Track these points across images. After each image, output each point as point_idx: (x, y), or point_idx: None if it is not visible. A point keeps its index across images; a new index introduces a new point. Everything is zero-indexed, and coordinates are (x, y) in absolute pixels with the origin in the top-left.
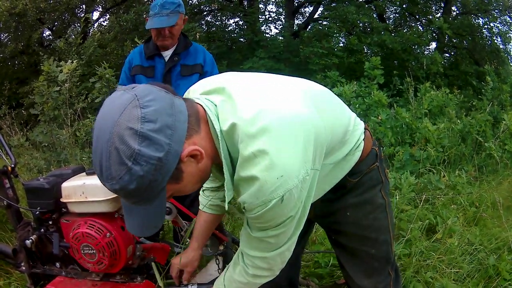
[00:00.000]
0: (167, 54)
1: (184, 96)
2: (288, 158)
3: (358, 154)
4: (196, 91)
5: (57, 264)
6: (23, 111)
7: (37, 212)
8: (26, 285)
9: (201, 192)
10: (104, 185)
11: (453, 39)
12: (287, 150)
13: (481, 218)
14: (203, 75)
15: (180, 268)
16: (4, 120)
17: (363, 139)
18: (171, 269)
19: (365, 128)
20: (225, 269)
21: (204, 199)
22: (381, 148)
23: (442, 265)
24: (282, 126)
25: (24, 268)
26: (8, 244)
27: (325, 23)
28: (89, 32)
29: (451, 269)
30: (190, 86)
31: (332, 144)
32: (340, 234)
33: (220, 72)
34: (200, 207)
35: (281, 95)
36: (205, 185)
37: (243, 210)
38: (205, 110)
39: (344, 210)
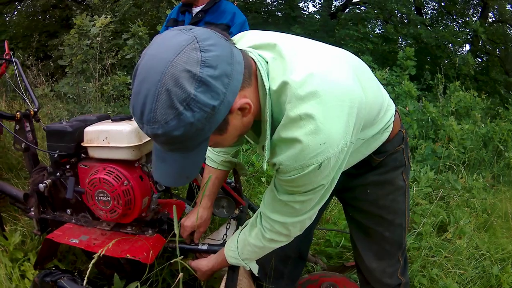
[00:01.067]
0: (195, 10)
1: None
2: (333, 126)
3: (386, 134)
4: (244, 43)
5: (68, 211)
6: (50, 63)
7: (56, 155)
8: (33, 231)
9: (210, 149)
10: (141, 128)
11: (487, 45)
12: (333, 118)
13: (491, 226)
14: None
15: (194, 229)
16: (30, 70)
17: (393, 121)
18: (182, 230)
19: (395, 110)
20: (238, 231)
21: (217, 156)
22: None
23: (448, 265)
24: (331, 94)
25: (33, 213)
26: (20, 189)
27: (363, 8)
28: None
29: (456, 270)
30: None
31: (368, 120)
32: (357, 210)
33: None
34: (212, 164)
35: (331, 62)
36: None
37: (275, 171)
38: (256, 65)
39: (365, 187)
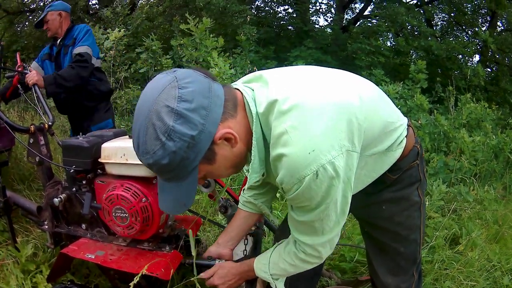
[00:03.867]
0: (58, 41)
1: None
2: (318, 133)
3: (399, 151)
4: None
5: (83, 226)
6: None
7: (72, 171)
8: (46, 244)
9: (241, 191)
10: (140, 160)
11: (496, 55)
12: (317, 124)
13: (502, 237)
14: (76, 44)
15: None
16: None
17: (406, 136)
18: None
19: (408, 125)
20: (272, 247)
21: (241, 197)
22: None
23: (460, 277)
24: (314, 103)
25: (47, 226)
26: (33, 202)
27: (374, 21)
28: (138, 4)
29: (468, 282)
30: (69, 58)
31: (371, 134)
32: (372, 227)
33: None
34: (239, 204)
35: (319, 79)
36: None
37: (282, 192)
38: (242, 95)
39: (380, 204)
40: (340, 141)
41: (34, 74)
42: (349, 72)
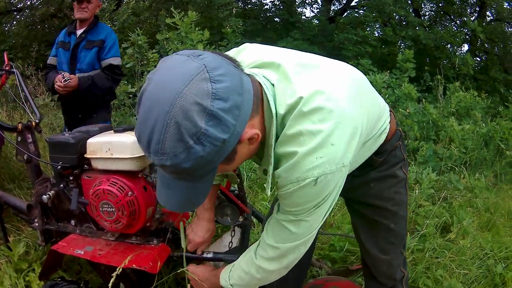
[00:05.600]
0: (78, 32)
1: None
2: (333, 145)
3: (383, 136)
4: (246, 57)
5: (72, 222)
6: None
7: (59, 167)
8: (37, 242)
9: None
10: (147, 157)
11: (485, 44)
12: (334, 137)
13: (494, 225)
14: (102, 48)
15: (205, 242)
16: (30, 80)
17: (389, 122)
18: (192, 246)
19: (389, 111)
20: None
21: None
22: (406, 140)
23: (452, 265)
24: (336, 113)
25: (37, 224)
26: (23, 200)
27: (361, 11)
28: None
29: (460, 270)
30: (90, 56)
31: (368, 130)
32: (362, 205)
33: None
34: None
35: (336, 80)
36: None
37: (276, 187)
38: (262, 89)
39: (368, 183)
40: (348, 155)
41: (75, 79)
42: (350, 66)
